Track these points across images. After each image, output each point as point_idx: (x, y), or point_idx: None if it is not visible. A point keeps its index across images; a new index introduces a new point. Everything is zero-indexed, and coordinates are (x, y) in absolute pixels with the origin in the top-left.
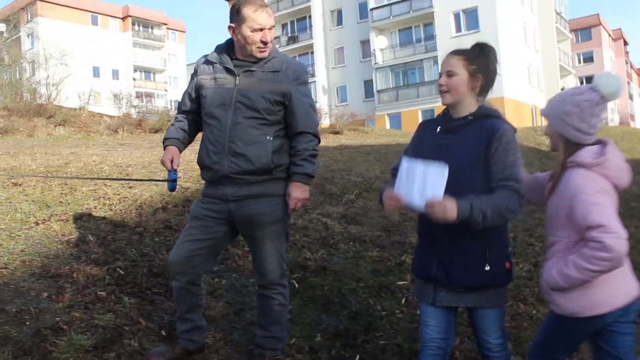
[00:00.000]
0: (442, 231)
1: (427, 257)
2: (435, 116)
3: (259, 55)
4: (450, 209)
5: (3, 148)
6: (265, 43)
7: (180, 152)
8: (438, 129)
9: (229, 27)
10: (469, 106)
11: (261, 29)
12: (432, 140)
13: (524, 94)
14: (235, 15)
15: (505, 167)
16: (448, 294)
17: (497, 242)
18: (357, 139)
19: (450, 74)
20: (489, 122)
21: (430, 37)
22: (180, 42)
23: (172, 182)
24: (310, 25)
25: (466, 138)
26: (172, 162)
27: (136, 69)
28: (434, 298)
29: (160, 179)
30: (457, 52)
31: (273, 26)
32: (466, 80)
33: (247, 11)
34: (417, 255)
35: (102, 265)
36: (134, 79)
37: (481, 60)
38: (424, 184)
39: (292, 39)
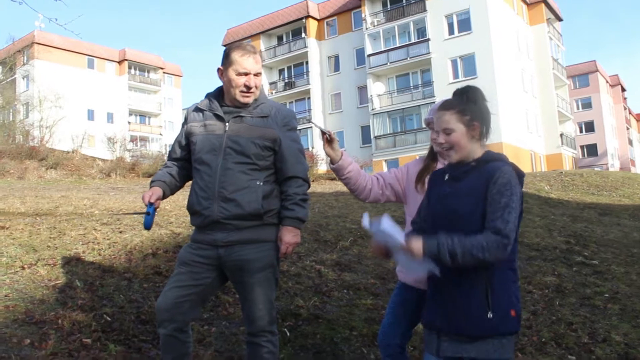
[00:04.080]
0: (446, 277)
1: (433, 304)
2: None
3: (241, 99)
4: (417, 248)
5: None
6: (248, 88)
7: (166, 195)
8: (446, 177)
9: (218, 69)
10: (473, 153)
11: (246, 74)
12: (438, 190)
13: (522, 139)
14: (225, 59)
15: (497, 209)
16: (451, 344)
17: (501, 287)
18: None
19: (447, 132)
20: (489, 166)
21: (428, 83)
22: (177, 86)
23: (147, 217)
24: (307, 71)
25: (468, 184)
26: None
27: (131, 112)
28: (437, 347)
29: (135, 212)
30: (447, 107)
31: (259, 73)
32: (464, 133)
33: (235, 55)
34: (426, 304)
35: (89, 311)
36: (129, 122)
37: (472, 108)
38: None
39: (289, 85)
